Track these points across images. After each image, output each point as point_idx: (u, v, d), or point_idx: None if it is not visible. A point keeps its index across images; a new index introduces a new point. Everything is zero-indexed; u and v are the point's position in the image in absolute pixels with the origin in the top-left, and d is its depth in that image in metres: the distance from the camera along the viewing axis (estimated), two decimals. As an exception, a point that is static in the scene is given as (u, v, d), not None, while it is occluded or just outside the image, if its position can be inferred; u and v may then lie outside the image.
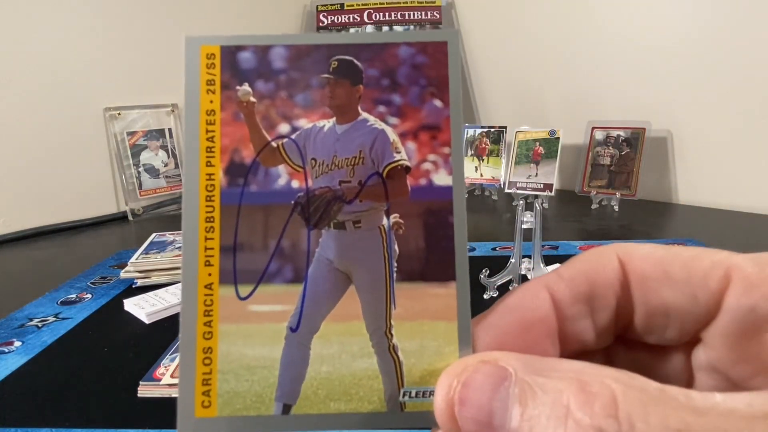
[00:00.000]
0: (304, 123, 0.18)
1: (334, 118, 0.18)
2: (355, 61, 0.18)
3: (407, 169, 0.18)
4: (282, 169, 0.18)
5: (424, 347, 0.17)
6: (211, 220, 0.17)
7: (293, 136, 0.18)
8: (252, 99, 0.18)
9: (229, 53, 0.17)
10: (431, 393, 0.16)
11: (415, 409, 0.16)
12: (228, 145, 0.17)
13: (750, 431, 0.12)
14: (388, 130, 0.18)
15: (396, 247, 0.17)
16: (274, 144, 0.18)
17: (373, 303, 0.17)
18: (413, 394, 0.16)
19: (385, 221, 0.17)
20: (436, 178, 0.17)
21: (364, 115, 0.18)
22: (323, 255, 0.18)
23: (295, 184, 0.18)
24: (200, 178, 0.17)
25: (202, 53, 0.17)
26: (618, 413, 0.12)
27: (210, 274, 0.17)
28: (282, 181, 0.18)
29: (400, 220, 0.18)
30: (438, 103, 0.18)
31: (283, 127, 0.18)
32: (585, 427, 0.12)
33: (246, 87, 0.18)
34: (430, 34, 0.18)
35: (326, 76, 0.18)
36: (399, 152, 0.18)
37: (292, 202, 0.18)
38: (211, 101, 0.17)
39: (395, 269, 0.17)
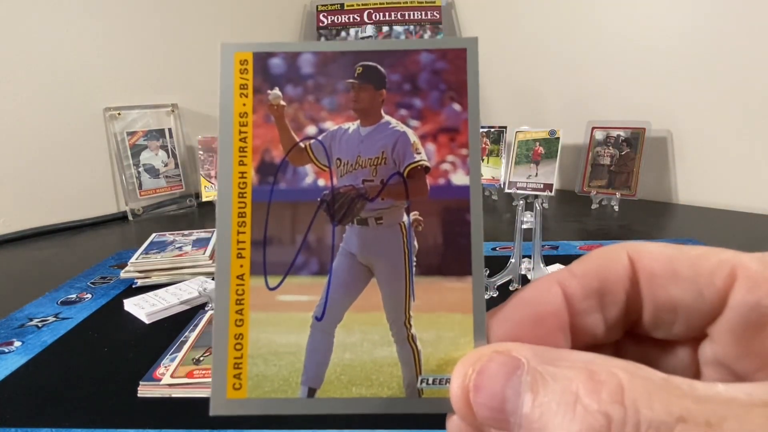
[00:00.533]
0: (330, 125, 0.19)
1: (358, 121, 0.19)
2: (379, 67, 0.19)
3: (427, 170, 0.19)
4: (309, 168, 0.19)
5: (441, 337, 0.17)
6: (243, 215, 0.18)
7: (320, 138, 0.19)
8: (282, 102, 0.19)
9: (261, 59, 0.19)
10: (447, 380, 0.17)
11: (432, 395, 0.17)
12: (259, 146, 0.19)
13: (747, 418, 0.12)
14: (409, 132, 0.19)
15: (415, 242, 0.18)
16: (302, 145, 0.19)
17: (394, 295, 0.18)
18: (430, 381, 0.17)
19: (405, 218, 0.19)
20: (454, 178, 0.18)
21: (387, 118, 0.19)
22: (347, 249, 0.19)
23: (321, 182, 0.19)
24: (233, 177, 0.18)
25: (235, 59, 0.19)
26: (624, 400, 0.13)
27: (242, 266, 0.18)
28: (309, 180, 0.19)
29: (420, 218, 0.18)
30: (457, 107, 0.19)
31: (311, 129, 0.19)
32: (593, 413, 0.13)
33: (276, 91, 0.19)
34: (450, 41, 0.19)
35: (351, 81, 0.19)
36: (419, 153, 0.19)
37: (318, 199, 0.19)
38: (244, 104, 0.19)
39: (414, 264, 0.18)
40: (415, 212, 0.19)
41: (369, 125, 0.19)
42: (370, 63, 0.19)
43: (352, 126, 0.19)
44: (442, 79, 0.19)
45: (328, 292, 0.18)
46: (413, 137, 0.19)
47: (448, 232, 0.18)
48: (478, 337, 0.17)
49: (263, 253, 0.18)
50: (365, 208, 0.19)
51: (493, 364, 0.15)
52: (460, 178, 0.18)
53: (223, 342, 0.18)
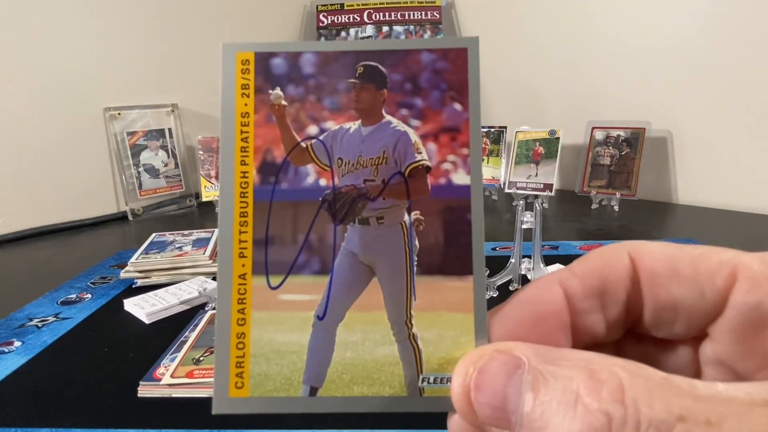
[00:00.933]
0: (331, 125, 0.19)
1: (359, 121, 0.19)
2: (380, 67, 0.19)
3: (428, 169, 0.19)
4: (311, 168, 0.19)
5: (443, 337, 0.18)
6: (245, 215, 0.18)
7: (321, 137, 0.19)
8: (283, 102, 0.19)
9: (263, 59, 0.19)
10: (449, 379, 0.17)
11: (433, 394, 0.17)
12: (261, 146, 0.19)
13: (747, 417, 0.12)
14: (410, 132, 0.19)
15: (416, 242, 0.19)
16: (303, 144, 0.19)
17: (395, 294, 0.18)
18: (432, 380, 0.17)
19: (406, 218, 0.19)
20: (455, 178, 0.18)
21: (388, 117, 0.19)
22: (348, 249, 0.19)
23: (322, 182, 0.19)
24: (235, 176, 0.18)
25: (237, 59, 0.19)
26: (624, 399, 0.13)
27: (243, 265, 0.18)
28: (310, 180, 0.19)
29: (421, 217, 0.19)
30: (458, 106, 0.19)
31: (312, 129, 0.19)
32: (593, 412, 0.13)
33: (278, 91, 0.19)
34: (451, 41, 0.19)
35: (353, 80, 0.19)
36: (420, 153, 0.19)
37: (320, 199, 0.19)
38: (246, 104, 0.19)
39: (416, 263, 0.18)
40: (417, 212, 0.19)
41: (370, 125, 0.19)
42: (372, 63, 0.19)
43: (353, 126, 0.19)
44: (443, 78, 0.19)
45: (330, 291, 0.18)
46: (414, 137, 0.19)
47: (449, 231, 0.18)
48: (479, 336, 0.17)
49: (265, 252, 0.18)
50: (366, 207, 0.19)
51: (494, 363, 0.15)
52: (461, 178, 0.18)
53: (225, 341, 0.18)
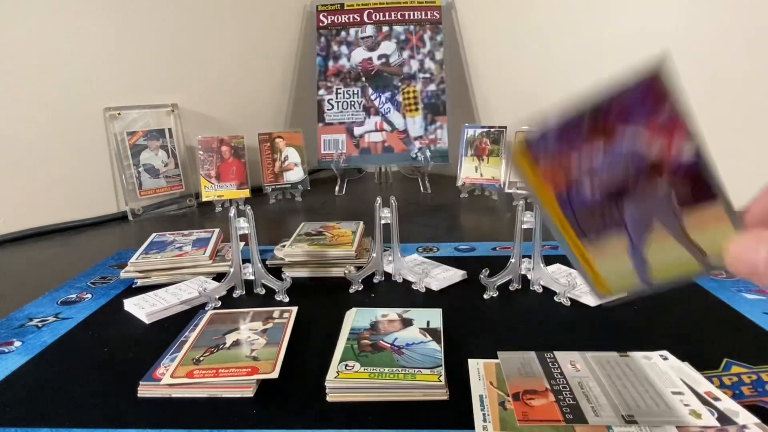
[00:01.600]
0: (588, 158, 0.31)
1: (601, 147, 0.30)
2: (592, 115, 0.30)
3: (662, 161, 0.29)
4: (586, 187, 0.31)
5: (712, 238, 0.29)
6: (562, 221, 0.32)
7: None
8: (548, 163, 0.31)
9: (531, 143, 0.31)
10: (724, 256, 0.27)
11: (713, 266, 0.29)
12: (554, 189, 0.31)
13: None
14: (643, 139, 0.29)
15: (676, 197, 0.29)
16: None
17: (675, 229, 0.30)
18: (713, 260, 0.29)
19: (664, 188, 0.29)
20: (684, 158, 0.29)
21: (622, 135, 0.29)
22: (634, 212, 0.31)
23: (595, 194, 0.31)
24: (549, 203, 0.31)
25: (519, 150, 0.31)
26: None
27: (573, 237, 0.32)
28: (587, 195, 0.31)
29: (672, 182, 0.29)
30: (668, 111, 0.28)
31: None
32: None
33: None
34: (644, 70, 0.29)
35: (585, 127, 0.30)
36: (653, 152, 0.29)
37: (598, 199, 0.31)
38: (536, 176, 0.31)
39: (680, 210, 0.29)
40: (668, 182, 0.29)
41: (609, 147, 0.30)
42: (595, 109, 0.30)
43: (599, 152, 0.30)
44: (649, 96, 0.29)
45: (630, 235, 0.31)
46: (646, 141, 0.29)
47: (693, 188, 0.29)
48: (736, 227, 0.28)
49: (583, 231, 0.32)
50: (635, 188, 0.30)
51: (747, 239, 0.26)
52: (688, 156, 0.28)
53: (581, 264, 0.32)
